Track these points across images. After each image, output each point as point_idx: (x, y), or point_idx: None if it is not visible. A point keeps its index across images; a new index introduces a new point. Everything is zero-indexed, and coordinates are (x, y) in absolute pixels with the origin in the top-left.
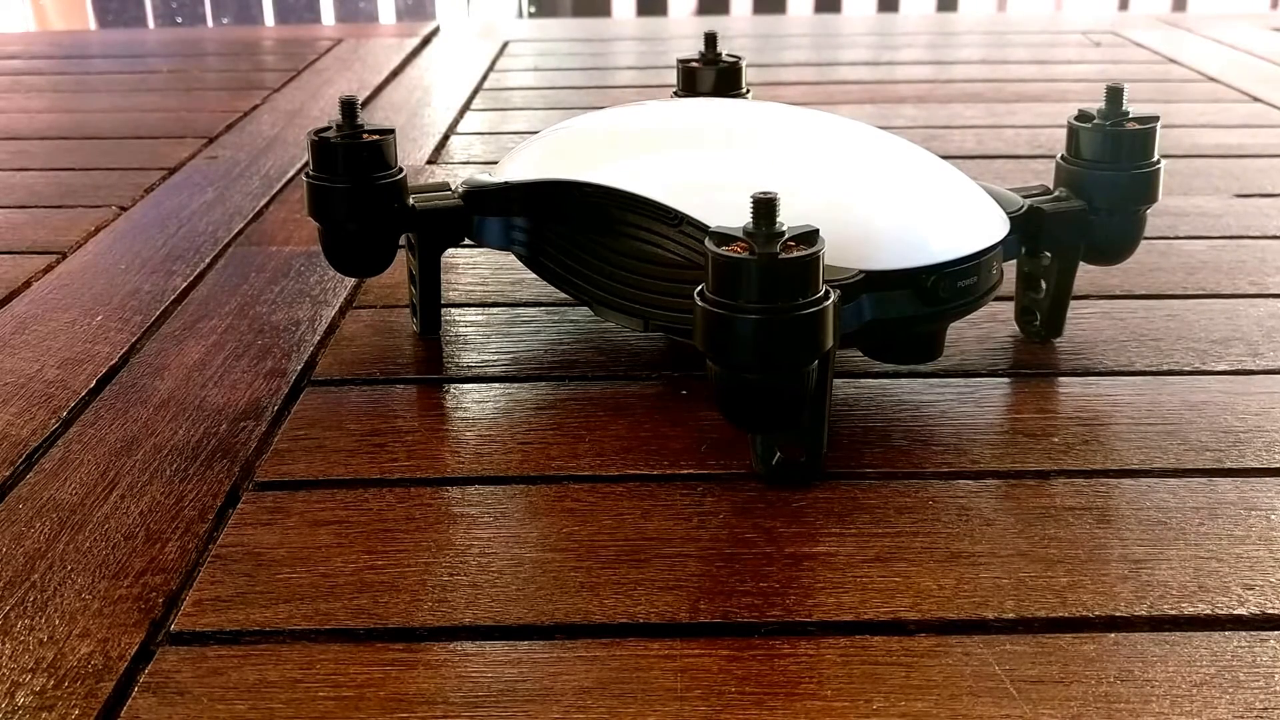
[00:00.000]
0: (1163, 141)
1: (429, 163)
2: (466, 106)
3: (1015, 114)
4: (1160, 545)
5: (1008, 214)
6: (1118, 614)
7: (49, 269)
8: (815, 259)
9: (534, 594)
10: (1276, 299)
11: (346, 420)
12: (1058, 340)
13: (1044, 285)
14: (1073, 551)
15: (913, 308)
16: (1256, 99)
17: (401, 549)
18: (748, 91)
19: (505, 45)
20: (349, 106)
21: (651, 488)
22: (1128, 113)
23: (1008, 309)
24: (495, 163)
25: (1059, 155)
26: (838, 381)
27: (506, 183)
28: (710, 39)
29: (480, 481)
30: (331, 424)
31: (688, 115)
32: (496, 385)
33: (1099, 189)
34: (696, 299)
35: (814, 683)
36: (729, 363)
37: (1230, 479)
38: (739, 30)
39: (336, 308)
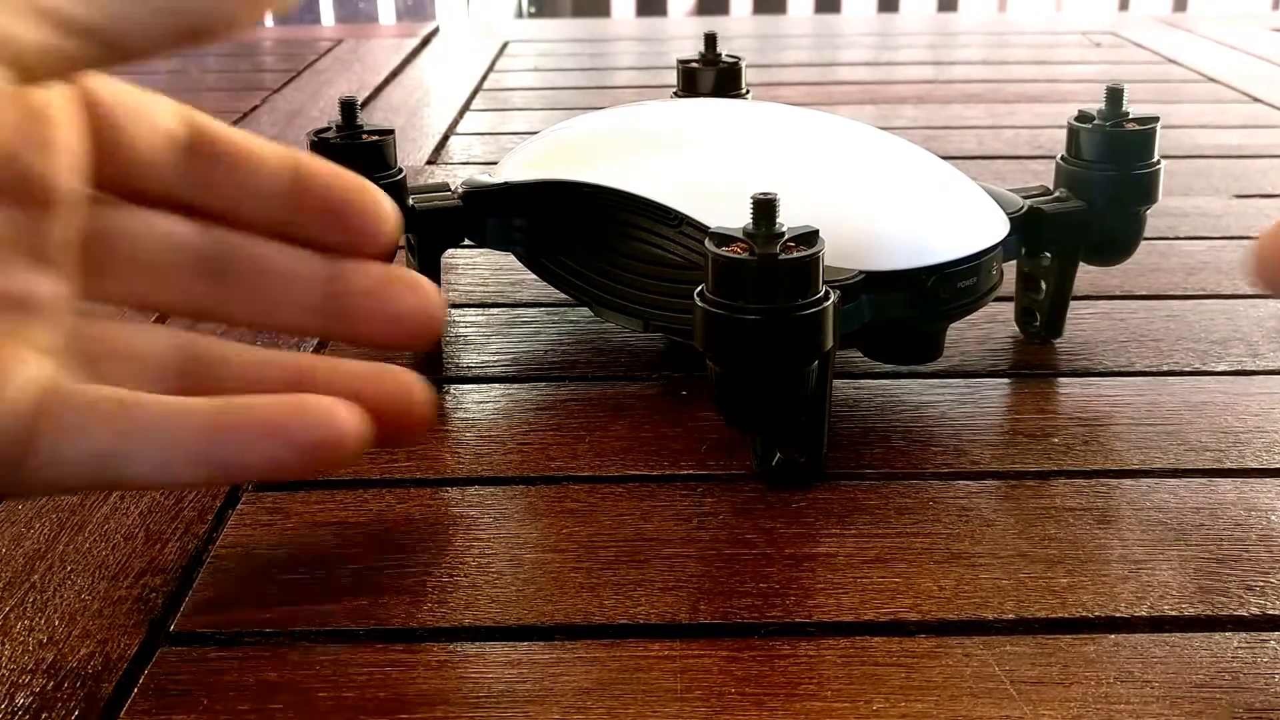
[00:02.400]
0: (1163, 142)
1: (429, 163)
2: (466, 107)
3: (1015, 114)
4: (1160, 546)
5: (1008, 214)
6: (1118, 615)
7: None
8: (815, 259)
9: (534, 595)
10: (1277, 299)
11: None
12: (1058, 340)
13: (1044, 286)
14: (1073, 552)
15: (912, 309)
16: (1256, 99)
17: (401, 549)
18: (748, 92)
19: (505, 46)
20: (348, 107)
21: (651, 488)
22: (1128, 113)
23: (1008, 309)
24: (495, 163)
25: (1059, 156)
26: (838, 381)
27: (506, 183)
28: (710, 39)
29: (480, 482)
30: None
31: (688, 116)
32: (496, 385)
33: (1099, 189)
34: (696, 299)
35: (814, 684)
36: (729, 363)
37: (1230, 479)
38: (739, 30)
39: None
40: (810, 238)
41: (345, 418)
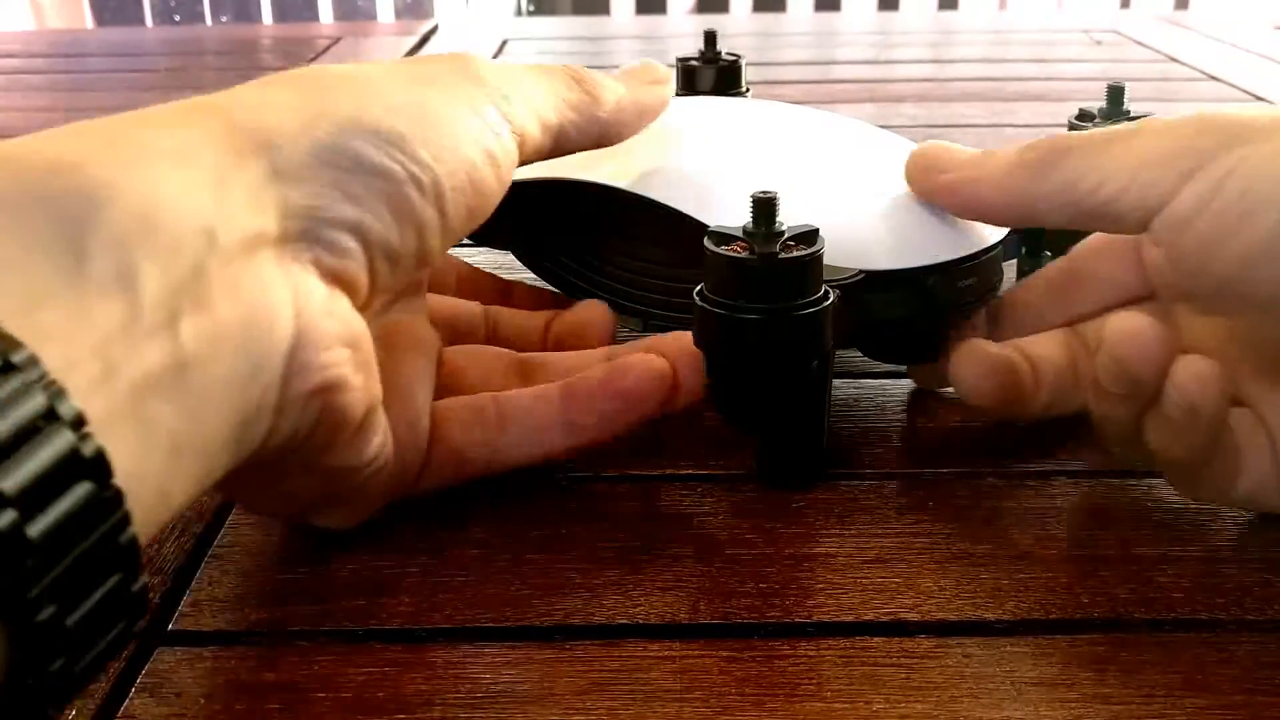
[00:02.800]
0: None
1: None
2: None
3: (1015, 113)
4: (1162, 546)
5: None
6: (1119, 615)
7: None
8: (815, 259)
9: (533, 595)
10: None
11: None
12: None
13: None
14: (1074, 552)
15: (912, 308)
16: (1259, 98)
17: (400, 549)
18: (747, 90)
19: (504, 44)
20: None
21: (651, 488)
22: (1128, 112)
23: None
24: None
25: None
26: (837, 381)
27: None
28: (710, 38)
29: (478, 480)
30: None
31: (687, 114)
32: None
33: None
34: (696, 299)
35: (814, 684)
36: (729, 362)
37: None
38: (739, 29)
39: None
40: (810, 237)
41: (661, 365)
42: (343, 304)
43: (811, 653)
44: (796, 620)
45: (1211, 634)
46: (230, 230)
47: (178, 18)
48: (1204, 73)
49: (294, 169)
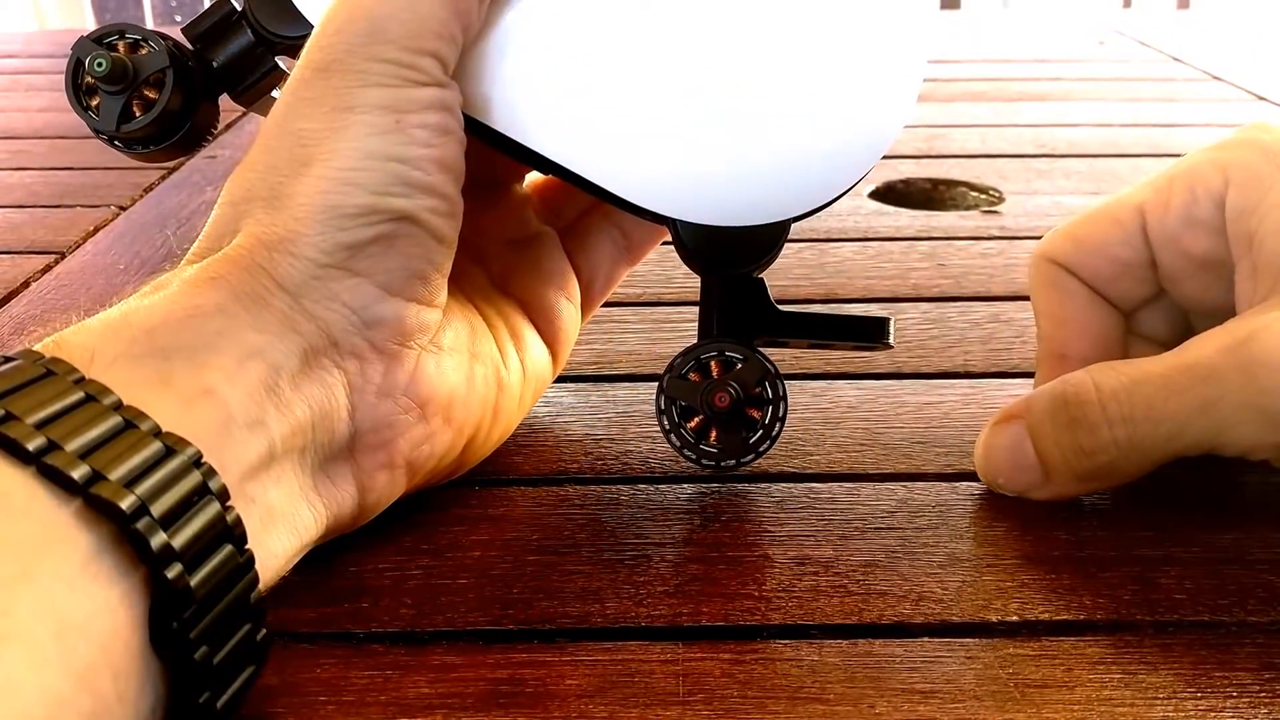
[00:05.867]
0: (1167, 140)
1: None
2: None
3: (1019, 113)
4: (1166, 547)
5: None
6: (1121, 617)
7: (47, 269)
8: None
9: (535, 596)
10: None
11: None
12: None
13: None
14: (1077, 553)
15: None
16: (1261, 98)
17: (402, 551)
18: None
19: None
20: None
21: (652, 488)
22: None
23: (1010, 310)
24: None
25: None
26: (838, 382)
27: None
28: None
29: (481, 482)
30: None
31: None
32: None
33: None
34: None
35: (816, 686)
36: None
37: (1237, 478)
38: None
39: None
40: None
41: None
42: (404, 371)
43: (814, 655)
44: (799, 623)
45: (1214, 636)
46: (285, 373)
47: (179, 17)
48: (1207, 73)
49: (306, 282)
